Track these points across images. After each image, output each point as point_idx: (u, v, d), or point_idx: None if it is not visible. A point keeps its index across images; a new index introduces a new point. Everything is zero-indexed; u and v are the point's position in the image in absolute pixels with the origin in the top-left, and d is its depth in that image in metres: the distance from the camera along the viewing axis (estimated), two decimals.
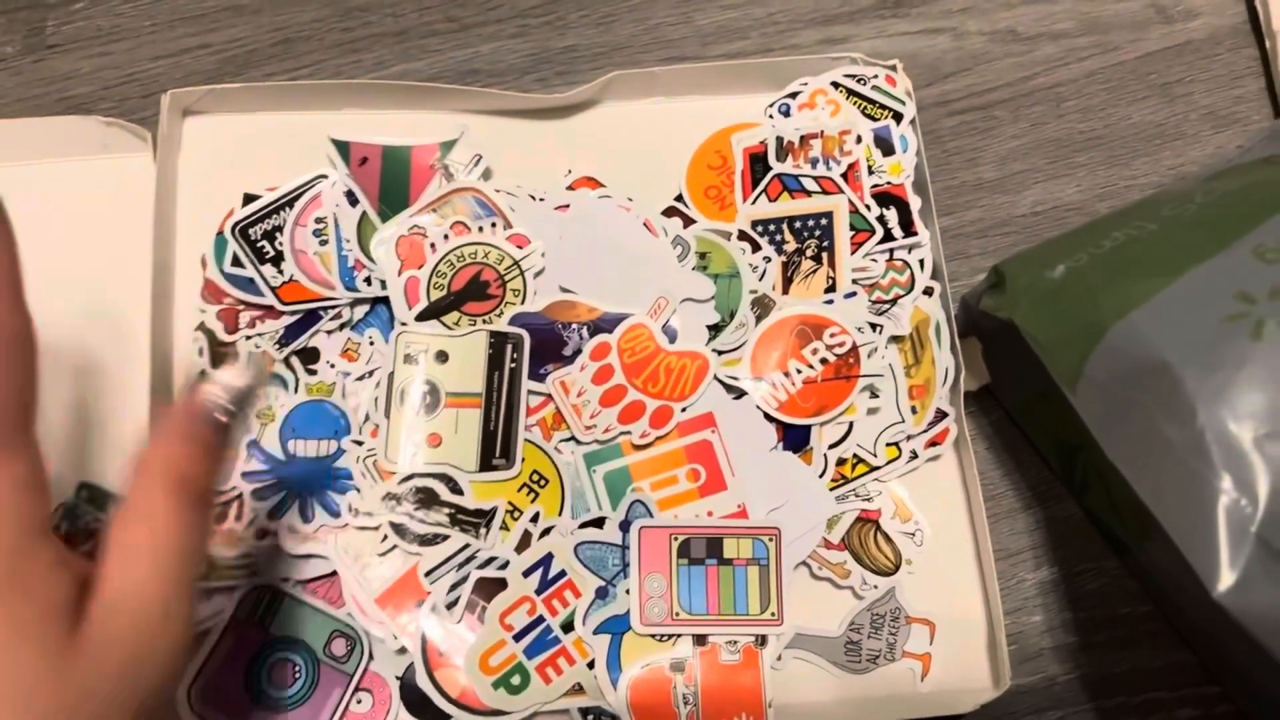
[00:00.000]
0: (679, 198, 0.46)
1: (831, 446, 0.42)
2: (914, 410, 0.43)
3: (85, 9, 0.52)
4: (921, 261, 0.45)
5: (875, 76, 0.47)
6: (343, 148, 0.45)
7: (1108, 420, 0.37)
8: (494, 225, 0.44)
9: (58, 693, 0.25)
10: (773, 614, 0.39)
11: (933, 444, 0.43)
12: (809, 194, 0.46)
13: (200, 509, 0.29)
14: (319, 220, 0.45)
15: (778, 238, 0.45)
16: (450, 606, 0.39)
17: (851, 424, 0.42)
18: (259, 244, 0.44)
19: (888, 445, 0.42)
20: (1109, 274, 0.39)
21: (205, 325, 0.44)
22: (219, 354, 0.43)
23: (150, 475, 0.29)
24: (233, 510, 0.41)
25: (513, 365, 0.42)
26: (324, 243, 0.44)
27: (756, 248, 0.45)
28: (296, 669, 0.40)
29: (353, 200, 0.45)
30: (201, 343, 0.44)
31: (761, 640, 0.39)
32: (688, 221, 0.46)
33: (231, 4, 0.52)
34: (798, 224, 0.45)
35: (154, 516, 0.28)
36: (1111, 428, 0.37)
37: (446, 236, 0.44)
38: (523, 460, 0.41)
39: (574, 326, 0.43)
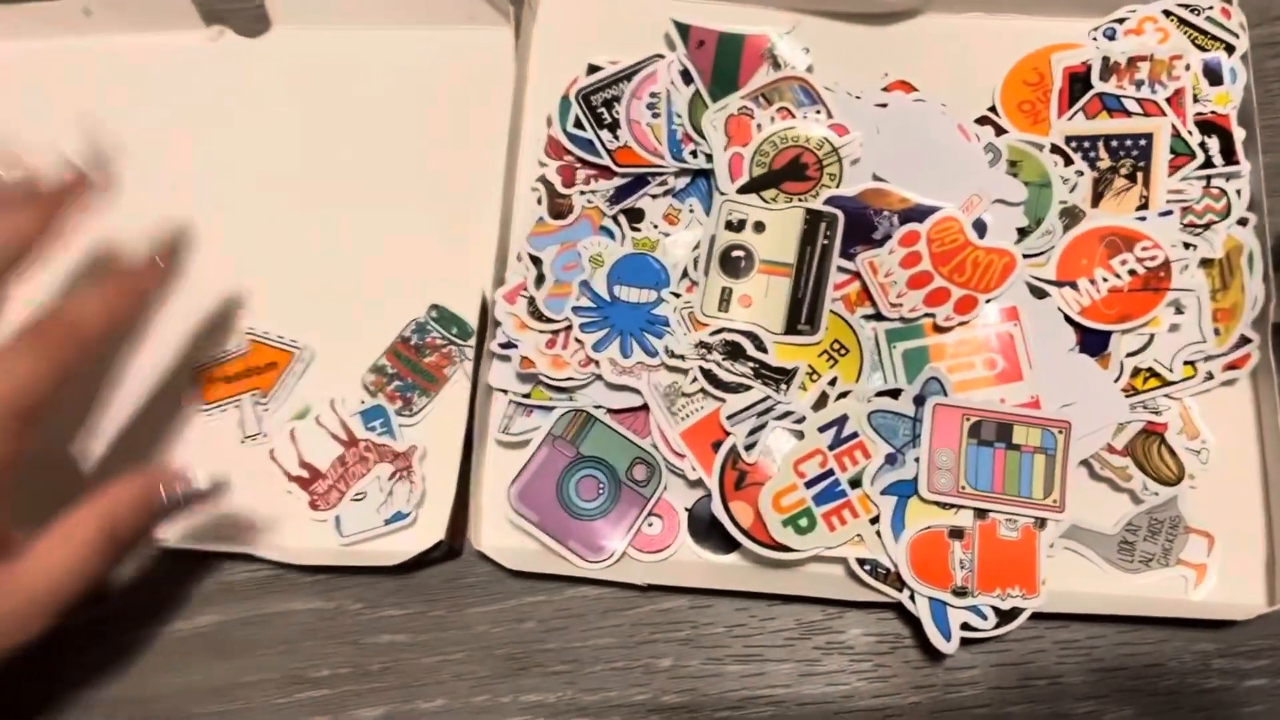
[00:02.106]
0: (992, 109, 0.48)
1: (1129, 355, 0.43)
2: (1216, 332, 0.43)
3: None
4: (1239, 191, 0.45)
5: (1210, 8, 0.47)
6: (683, 30, 0.49)
7: None
8: (816, 113, 0.47)
9: None
10: (1054, 501, 0.41)
11: (1231, 367, 0.43)
12: (1129, 114, 0.46)
13: (111, 551, 0.36)
14: (654, 95, 0.49)
15: (1092, 154, 0.46)
16: (749, 449, 0.42)
17: (1152, 336, 0.43)
18: (599, 110, 0.48)
19: (1185, 363, 0.43)
20: None
21: (545, 178, 0.48)
22: (556, 204, 0.48)
23: (95, 507, 0.36)
24: (560, 338, 0.45)
25: (824, 241, 0.45)
26: (656, 115, 0.48)
27: (1069, 161, 0.46)
28: (600, 486, 0.44)
29: (687, 79, 0.48)
30: (541, 193, 0.48)
31: (1040, 523, 0.41)
32: (1000, 131, 0.47)
33: None
34: (1114, 142, 0.46)
35: (75, 546, 0.35)
36: None
37: (772, 119, 0.47)
38: (826, 328, 0.44)
39: (885, 213, 0.45)
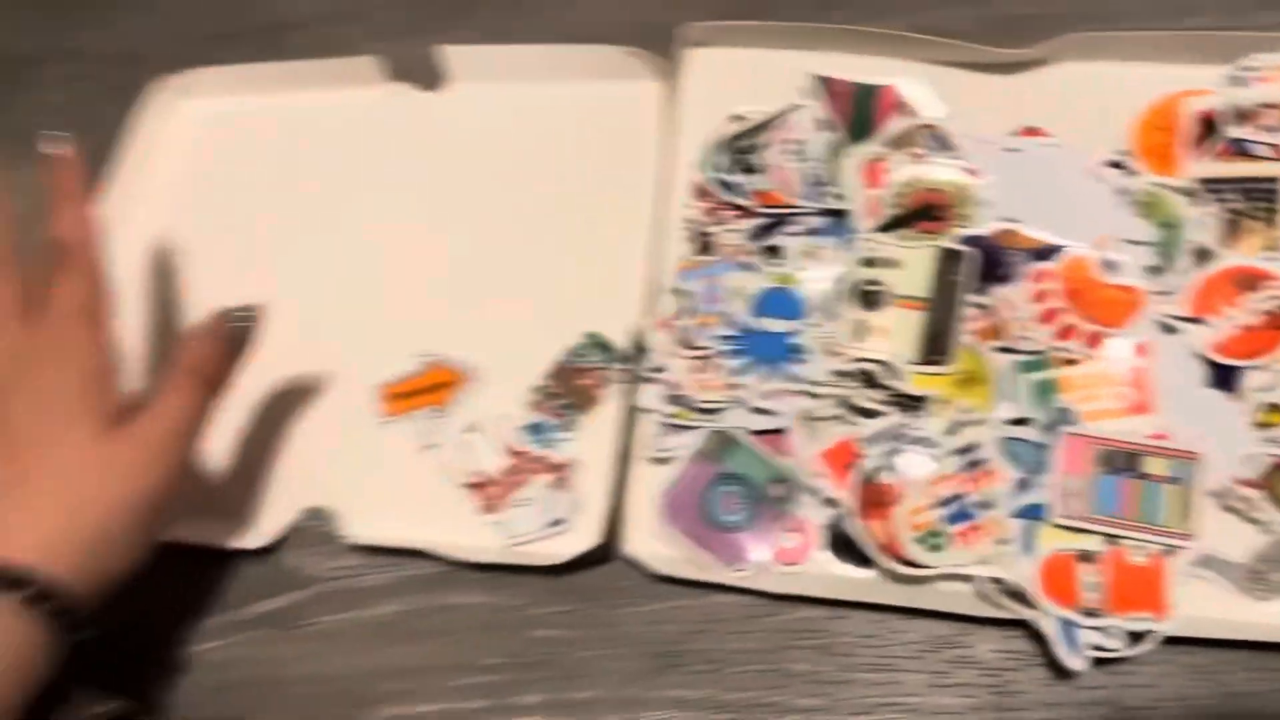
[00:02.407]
0: (1123, 152, 0.50)
1: (1260, 391, 0.44)
2: None
3: None
4: None
5: None
6: (821, 82, 0.53)
7: None
8: (949, 158, 0.50)
9: (99, 456, 0.43)
10: (1184, 529, 0.43)
11: None
12: (1259, 159, 0.48)
13: (207, 390, 0.46)
14: (794, 142, 0.53)
15: (1223, 196, 0.48)
16: (883, 471, 0.46)
17: None
18: (742, 156, 0.53)
19: None
20: None
21: (692, 218, 0.53)
22: (702, 241, 0.52)
23: (181, 367, 0.46)
24: (706, 365, 0.49)
25: (957, 278, 0.48)
26: (797, 160, 0.52)
27: (1200, 203, 0.48)
28: (741, 501, 0.48)
29: (825, 127, 0.52)
30: (688, 231, 0.53)
31: (1170, 550, 0.43)
32: (1130, 174, 0.49)
33: None
34: (1244, 185, 0.48)
35: (177, 394, 0.45)
36: None
37: (906, 164, 0.50)
38: (958, 359, 0.46)
39: (1016, 252, 0.48)
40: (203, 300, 0.58)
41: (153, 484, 0.44)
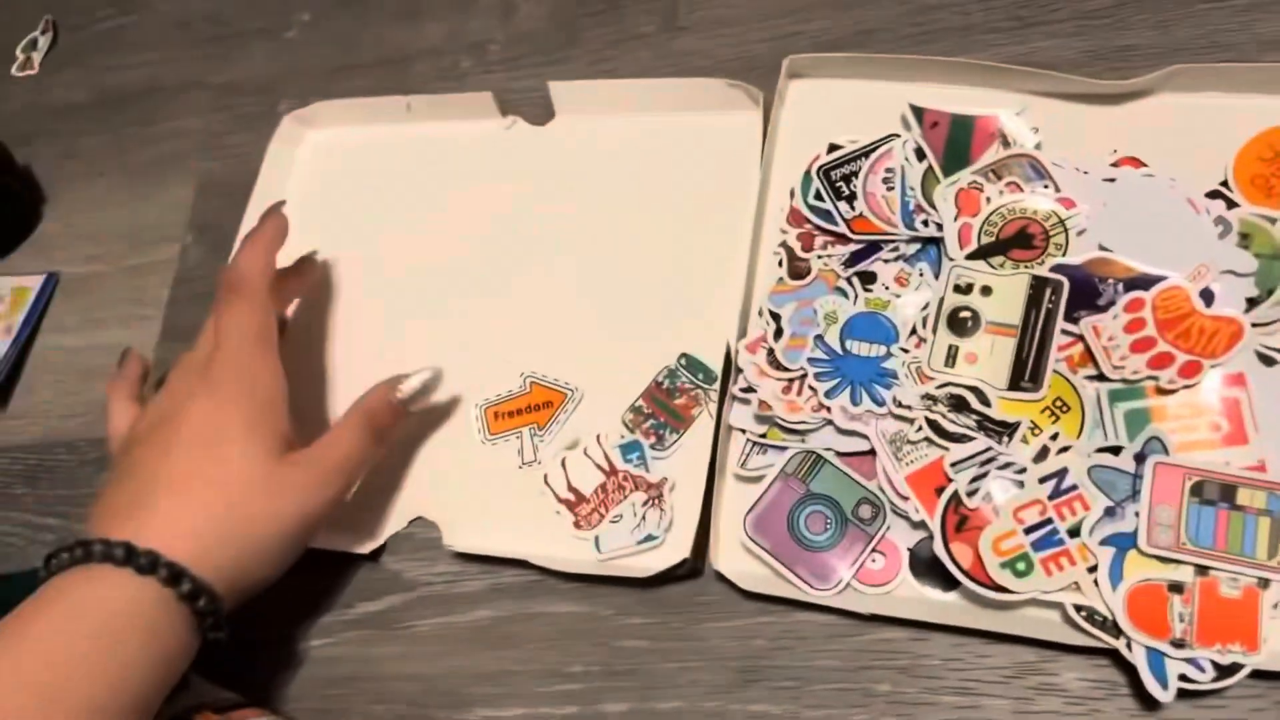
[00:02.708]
0: (1223, 183, 0.50)
1: None
2: None
3: (709, 0, 0.65)
4: None
5: None
6: (918, 112, 0.54)
7: None
8: (1044, 188, 0.51)
9: (270, 473, 0.47)
10: (1278, 563, 0.42)
11: None
12: None
13: (376, 440, 0.52)
14: (889, 170, 0.54)
15: None
16: (970, 495, 0.46)
17: None
18: (837, 184, 0.54)
19: None
20: None
21: (786, 244, 0.54)
22: (795, 266, 0.54)
23: (358, 411, 0.51)
24: (796, 385, 0.50)
25: (1049, 306, 0.48)
26: (891, 189, 0.53)
27: None
28: (827, 521, 0.49)
29: (920, 156, 0.53)
30: (781, 255, 0.54)
31: (1264, 583, 0.42)
32: (1231, 205, 0.49)
33: (825, 0, 0.63)
34: None
35: (351, 432, 0.50)
36: None
37: (1001, 193, 0.51)
38: (1049, 386, 0.47)
39: (1110, 281, 0.48)
40: (326, 323, 0.62)
41: (314, 506, 0.48)
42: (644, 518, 0.51)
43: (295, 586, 0.52)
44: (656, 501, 0.51)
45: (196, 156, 0.74)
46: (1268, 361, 0.45)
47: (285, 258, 0.64)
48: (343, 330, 0.62)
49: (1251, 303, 0.46)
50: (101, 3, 0.83)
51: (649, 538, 0.50)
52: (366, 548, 0.55)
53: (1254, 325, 0.46)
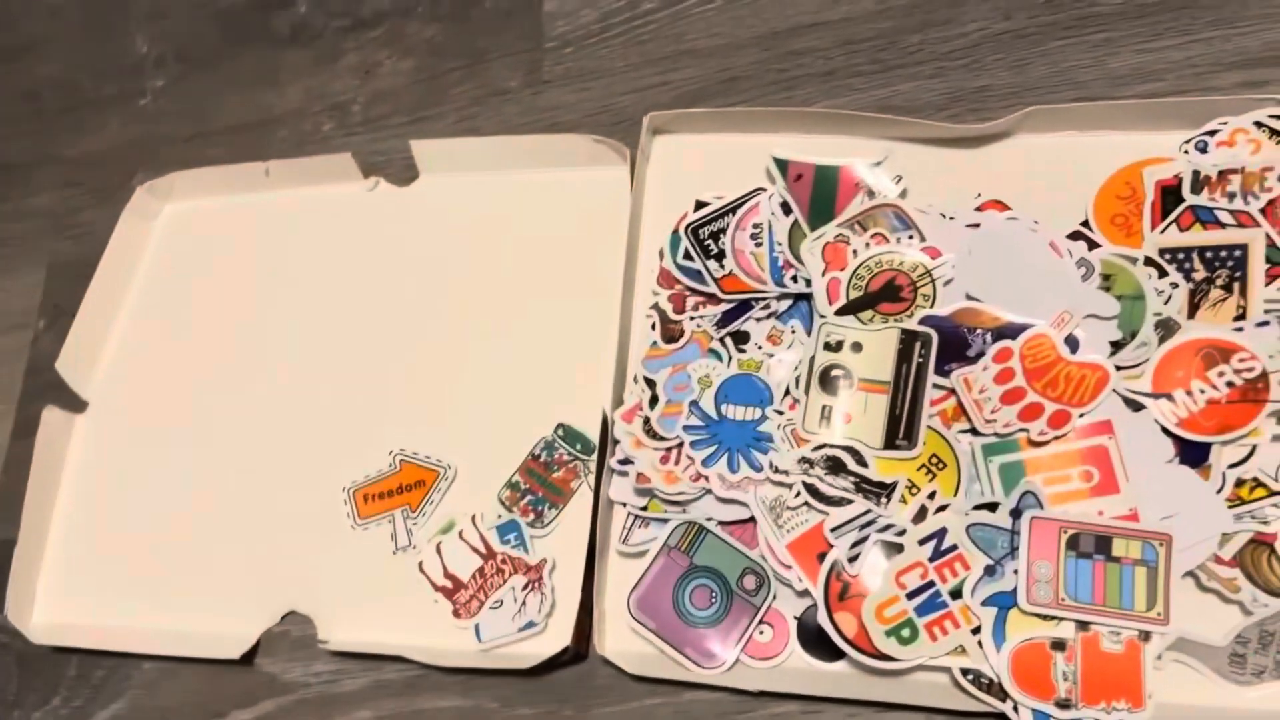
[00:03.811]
0: (1084, 223, 0.50)
1: (1231, 466, 0.44)
2: None
3: (573, 53, 0.64)
4: None
5: None
6: (781, 165, 0.53)
7: None
8: (910, 237, 0.50)
9: None
10: (1159, 613, 0.42)
11: None
12: (1223, 226, 0.47)
13: None
14: (756, 225, 0.53)
15: (1186, 265, 0.47)
16: (851, 561, 0.45)
17: (1255, 447, 0.44)
18: (705, 242, 0.53)
19: None
20: None
21: (658, 305, 0.53)
22: (668, 329, 0.52)
23: None
24: (673, 454, 0.49)
25: (920, 360, 0.47)
26: (759, 245, 0.52)
27: (1163, 274, 0.47)
28: (713, 595, 0.47)
29: (786, 210, 0.52)
30: (654, 318, 0.53)
31: (1145, 635, 0.42)
32: (1092, 245, 0.49)
33: (689, 48, 0.62)
34: (1209, 254, 0.47)
35: None
36: None
37: (867, 245, 0.50)
38: (924, 444, 0.46)
39: (978, 331, 0.47)
40: (182, 403, 0.59)
41: None
42: (524, 603, 0.49)
43: (162, 697, 0.49)
44: (536, 585, 0.49)
45: (47, 236, 0.70)
46: (1134, 406, 0.45)
47: (140, 337, 0.61)
48: (202, 409, 0.59)
49: (1116, 345, 0.46)
50: None
51: (530, 624, 0.48)
52: (236, 651, 0.52)
53: (1119, 368, 0.46)
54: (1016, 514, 0.44)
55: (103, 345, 0.62)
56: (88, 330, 0.61)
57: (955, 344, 0.47)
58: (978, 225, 0.50)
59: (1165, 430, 0.44)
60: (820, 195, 0.52)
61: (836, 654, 0.45)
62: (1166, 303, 0.46)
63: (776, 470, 0.47)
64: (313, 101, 0.68)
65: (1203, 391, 0.44)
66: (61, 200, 0.71)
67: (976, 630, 0.43)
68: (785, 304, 0.51)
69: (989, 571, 0.43)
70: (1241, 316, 0.46)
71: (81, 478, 0.60)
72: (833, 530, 0.46)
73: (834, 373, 0.48)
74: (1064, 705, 0.41)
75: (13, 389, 0.64)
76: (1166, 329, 0.46)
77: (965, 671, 0.43)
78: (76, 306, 0.63)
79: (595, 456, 0.51)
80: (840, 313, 0.49)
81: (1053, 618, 0.42)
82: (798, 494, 0.47)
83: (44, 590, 0.57)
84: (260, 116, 0.69)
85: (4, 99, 0.77)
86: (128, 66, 0.74)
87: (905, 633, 0.43)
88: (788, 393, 0.49)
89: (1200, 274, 0.47)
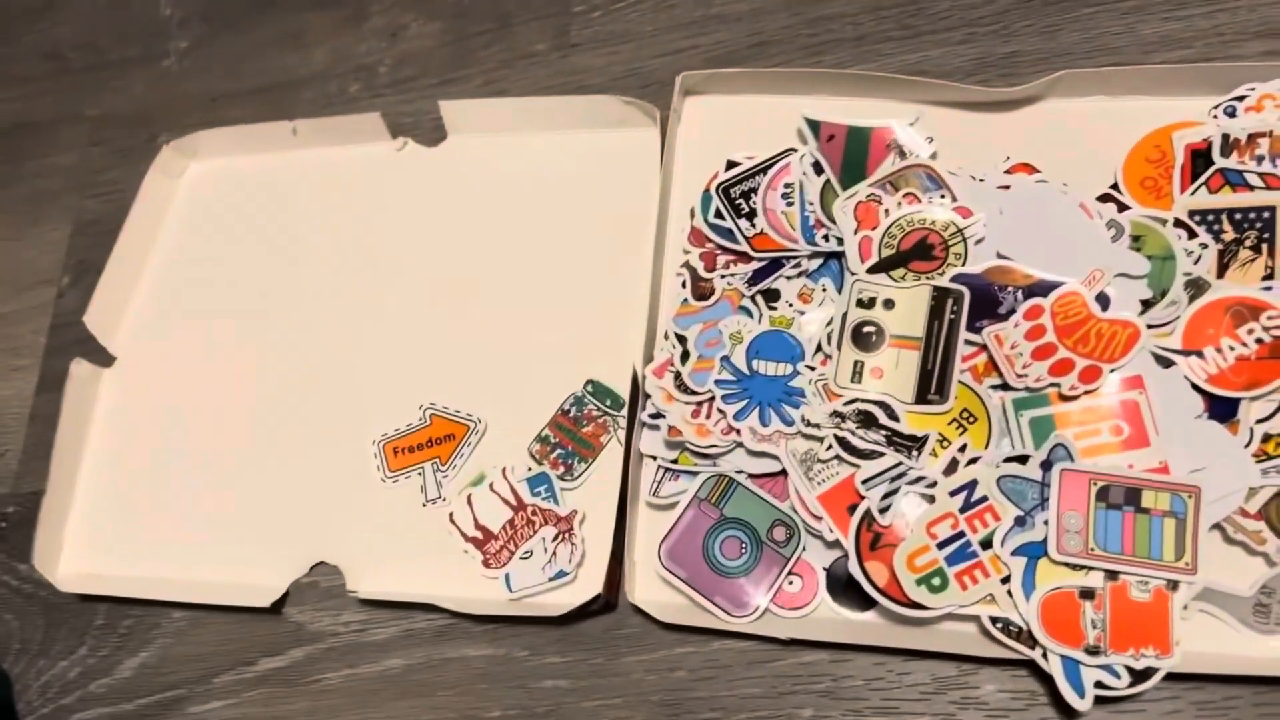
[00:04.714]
0: (1114, 186, 0.50)
1: (1259, 421, 0.44)
2: None
3: (601, 17, 0.64)
4: None
5: None
6: (814, 125, 0.54)
7: None
8: (941, 197, 0.51)
9: None
10: (1186, 563, 0.42)
11: None
12: (1251, 188, 0.48)
13: None
14: (788, 185, 0.53)
15: (1215, 227, 0.48)
16: (882, 512, 0.46)
17: None
18: (737, 201, 0.53)
19: None
20: None
21: (689, 264, 0.53)
22: (699, 287, 0.53)
23: None
24: (704, 409, 0.49)
25: (952, 316, 0.48)
26: (790, 204, 0.53)
27: (1193, 234, 0.48)
28: (743, 546, 0.48)
29: (818, 170, 0.53)
30: (685, 277, 0.53)
31: (1173, 585, 0.42)
32: (1122, 208, 0.49)
33: (717, 13, 0.62)
34: (1238, 215, 0.48)
35: None
36: None
37: (899, 204, 0.51)
38: (955, 398, 0.47)
39: (1010, 289, 0.48)
40: (210, 357, 0.59)
41: None
42: (554, 553, 0.49)
43: (191, 645, 0.49)
44: (566, 535, 0.49)
45: (72, 194, 0.70)
46: (1164, 363, 0.46)
47: (167, 294, 0.61)
48: (230, 363, 0.59)
49: (1146, 304, 0.47)
50: None
51: (560, 574, 0.49)
52: (266, 600, 0.52)
53: (1149, 327, 0.46)
54: (1047, 466, 0.44)
55: (129, 300, 0.63)
56: (114, 286, 0.62)
57: (986, 301, 0.48)
58: (1008, 187, 0.51)
59: (1195, 386, 0.45)
60: (852, 156, 0.53)
61: (864, 605, 0.46)
62: (1196, 263, 0.47)
63: (808, 424, 0.47)
64: (339, 64, 0.68)
65: (1232, 348, 0.45)
66: (85, 159, 0.71)
67: (1006, 580, 0.43)
68: (816, 263, 0.52)
69: (1019, 522, 0.44)
70: (1270, 276, 0.46)
71: (109, 430, 0.60)
72: (864, 482, 0.46)
73: (866, 329, 0.48)
74: (1093, 652, 0.42)
75: (37, 344, 0.64)
76: (1196, 288, 0.47)
77: (995, 620, 0.43)
78: (101, 263, 0.63)
79: (624, 412, 0.51)
80: (872, 270, 0.49)
81: (1082, 567, 0.43)
82: (829, 447, 0.47)
83: (71, 541, 0.58)
84: (285, 78, 0.69)
85: (27, 59, 0.76)
86: (151, 28, 0.74)
87: (936, 581, 0.44)
88: (819, 349, 0.49)
89: (1229, 235, 0.47)
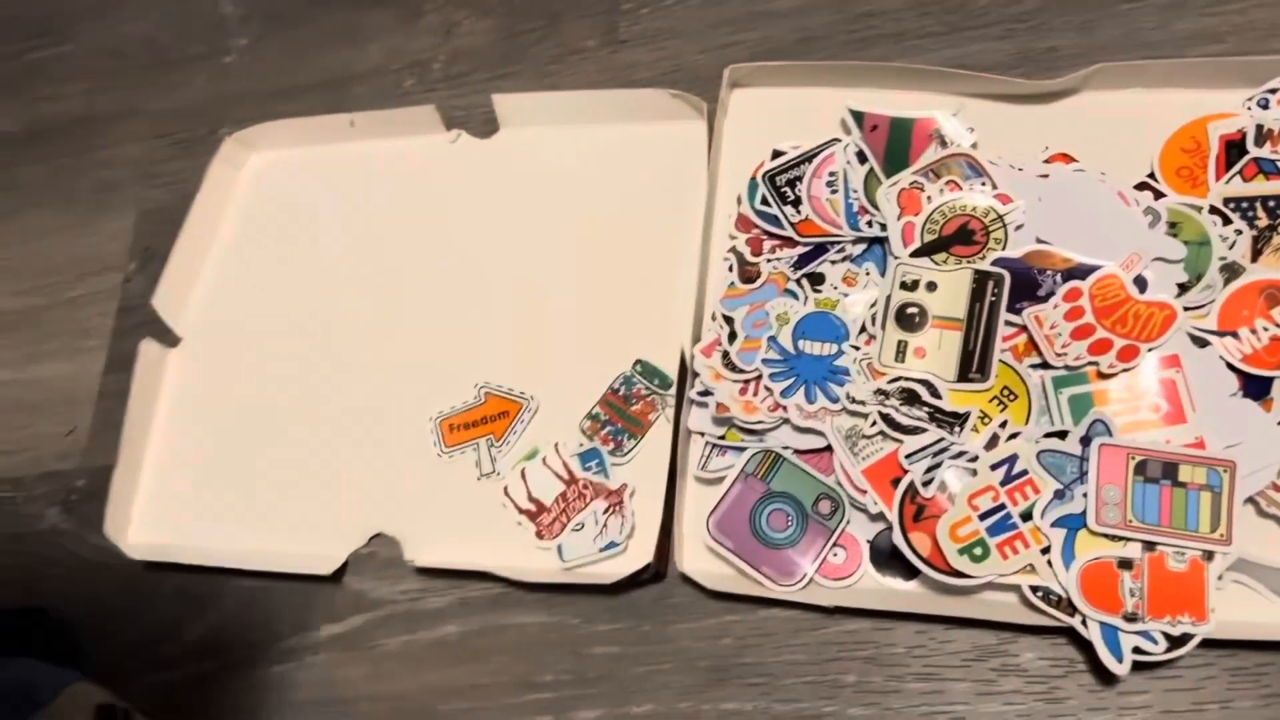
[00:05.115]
0: (1150, 175, 0.52)
1: None
2: None
3: (649, 14, 0.67)
4: None
5: None
6: (858, 116, 0.55)
7: None
8: (982, 185, 0.52)
9: None
10: (1222, 535, 0.44)
11: None
12: None
13: None
14: (832, 174, 0.55)
15: (1250, 214, 0.49)
16: (925, 485, 0.47)
17: None
18: (782, 189, 0.55)
19: None
20: None
21: (736, 249, 0.55)
22: (745, 270, 0.55)
23: None
24: (752, 386, 0.51)
25: (993, 298, 0.49)
26: (834, 192, 0.55)
27: (1227, 221, 0.49)
28: (789, 518, 0.49)
29: (862, 159, 0.55)
30: (732, 261, 0.55)
31: (1208, 555, 0.44)
32: (1158, 195, 0.51)
33: (763, 10, 0.65)
34: (1271, 202, 0.49)
35: None
36: None
37: (941, 191, 0.52)
38: (996, 376, 0.48)
39: (1049, 272, 0.50)
40: (272, 338, 0.62)
41: None
42: (605, 525, 0.51)
43: (255, 611, 0.51)
44: (617, 508, 0.51)
45: (136, 184, 0.73)
46: (1200, 343, 0.47)
47: (230, 278, 0.63)
48: (293, 346, 0.62)
49: (1182, 287, 0.48)
50: (32, 33, 0.82)
51: (611, 544, 0.51)
52: (327, 568, 0.54)
53: (1186, 309, 0.48)
54: (1086, 441, 0.46)
55: (194, 284, 0.65)
56: (180, 270, 0.64)
57: (1026, 284, 0.49)
58: (1047, 176, 0.52)
59: (1230, 365, 0.46)
60: (895, 145, 0.54)
61: (908, 574, 0.48)
62: (1231, 248, 0.48)
63: (853, 401, 0.49)
64: (393, 60, 0.71)
65: (1266, 329, 0.46)
66: (149, 151, 0.73)
67: (1045, 550, 0.45)
68: (860, 248, 0.53)
69: (1058, 495, 0.46)
70: None
71: (175, 407, 0.62)
72: (907, 457, 0.48)
73: (909, 310, 0.50)
74: (1131, 618, 0.43)
75: (104, 326, 0.67)
76: (1231, 272, 0.48)
77: (1035, 588, 0.45)
78: (166, 250, 0.66)
79: (672, 391, 0.53)
80: (915, 255, 0.51)
81: (1120, 538, 0.44)
82: (873, 423, 0.49)
83: (140, 512, 0.60)
84: (342, 74, 0.72)
85: (90, 54, 0.79)
86: (213, 25, 0.76)
87: (978, 551, 0.45)
88: (863, 330, 0.51)
89: (1263, 221, 0.49)
